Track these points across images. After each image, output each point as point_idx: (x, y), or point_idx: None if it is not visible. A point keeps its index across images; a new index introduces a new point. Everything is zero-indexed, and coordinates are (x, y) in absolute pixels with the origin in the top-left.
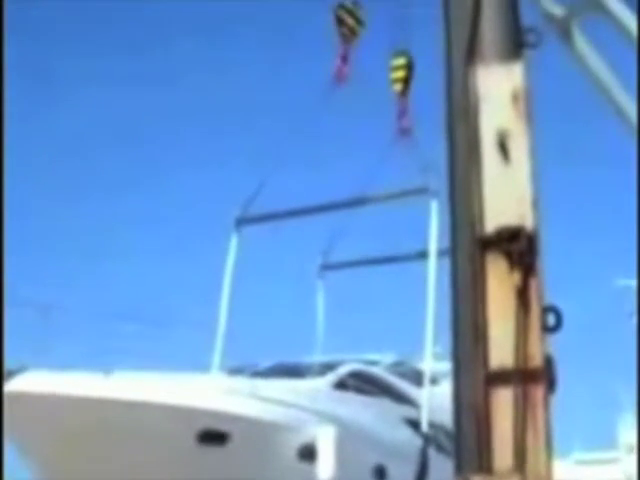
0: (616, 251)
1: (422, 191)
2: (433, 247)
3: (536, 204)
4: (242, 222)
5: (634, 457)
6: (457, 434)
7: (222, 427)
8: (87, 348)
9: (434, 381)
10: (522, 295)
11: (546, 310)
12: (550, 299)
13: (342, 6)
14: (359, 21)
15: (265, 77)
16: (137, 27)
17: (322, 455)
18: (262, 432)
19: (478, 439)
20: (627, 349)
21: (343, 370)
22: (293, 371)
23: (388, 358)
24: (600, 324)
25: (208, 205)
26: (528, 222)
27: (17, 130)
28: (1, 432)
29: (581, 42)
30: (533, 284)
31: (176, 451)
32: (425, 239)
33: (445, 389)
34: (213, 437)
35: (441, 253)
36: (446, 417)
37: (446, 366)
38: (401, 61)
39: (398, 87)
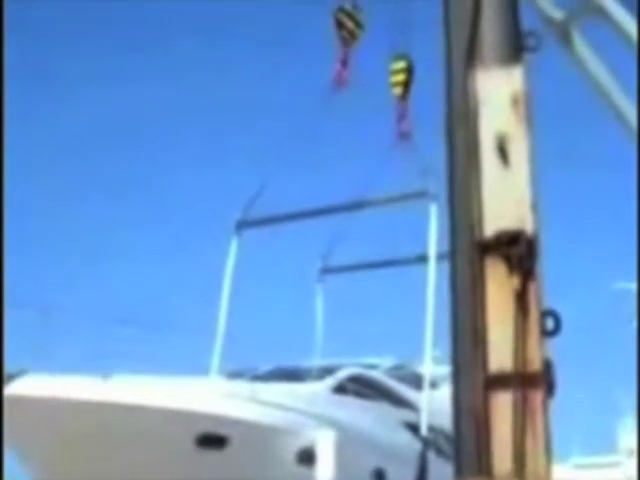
0: (615, 254)
1: (421, 195)
2: (432, 251)
3: (535, 208)
4: (242, 225)
5: (634, 461)
6: (456, 438)
7: (221, 431)
8: (87, 351)
9: (433, 385)
10: (521, 299)
11: (545, 314)
12: (549, 303)
13: (342, 9)
14: (359, 24)
15: (265, 79)
16: (138, 27)
17: (321, 459)
18: (261, 436)
19: (477, 443)
20: (626, 353)
21: (342, 374)
22: (292, 375)
23: (387, 362)
24: (599, 328)
25: (208, 206)
26: (527, 226)
27: (17, 130)
28: (1, 436)
29: (581, 46)
30: (532, 288)
31: (175, 455)
32: (424, 243)
33: (444, 393)
34: (212, 441)
35: (440, 257)
36: (445, 421)
37: (445, 370)
38: (401, 65)
39: (398, 91)
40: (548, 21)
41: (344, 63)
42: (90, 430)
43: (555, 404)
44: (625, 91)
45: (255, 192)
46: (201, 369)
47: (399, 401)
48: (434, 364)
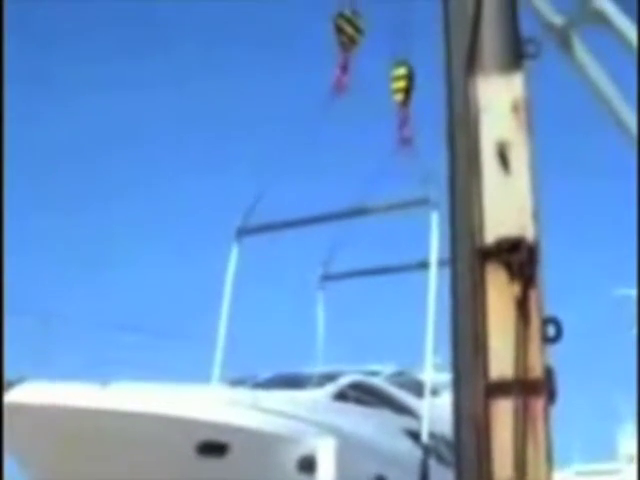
0: (615, 261)
1: (423, 202)
2: (434, 258)
3: (536, 215)
4: (243, 232)
5: (634, 467)
6: (457, 445)
7: (222, 438)
8: (87, 358)
9: (435, 392)
10: (522, 306)
11: (546, 321)
12: (549, 309)
13: (341, 15)
14: (358, 30)
15: (265, 85)
16: (139, 33)
17: (322, 466)
18: (262, 443)
19: (478, 450)
20: (626, 359)
21: (343, 381)
22: (293, 382)
23: (388, 369)
24: (600, 334)
25: (209, 213)
26: (528, 233)
27: (18, 136)
28: (1, 442)
29: (581, 52)
30: (533, 295)
31: (176, 462)
32: (425, 249)
33: (446, 400)
34: (213, 448)
35: (441, 264)
36: (447, 428)
37: (447, 377)
38: (402, 71)
39: (399, 97)
40: (548, 27)
41: (344, 69)
42: (90, 437)
43: (556, 411)
44: (625, 97)
45: (255, 199)
46: (202, 376)
47: (400, 408)
48: (435, 371)
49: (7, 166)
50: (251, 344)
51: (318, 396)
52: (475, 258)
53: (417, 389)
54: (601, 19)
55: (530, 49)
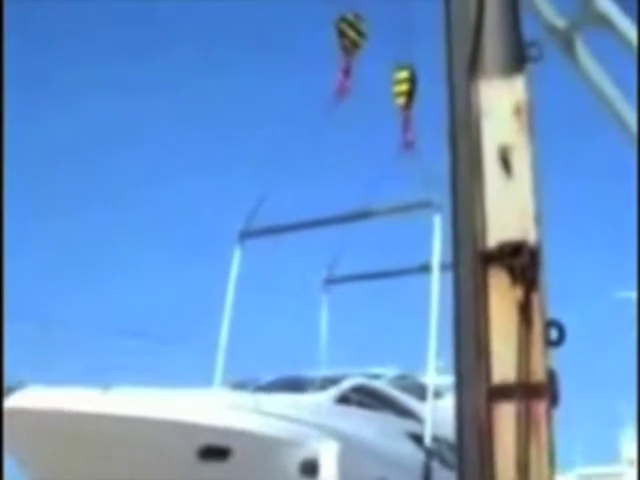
0: (616, 264)
1: (425, 205)
2: (436, 261)
3: (538, 218)
4: (245, 236)
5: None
6: (460, 449)
7: (223, 442)
8: (88, 363)
9: (437, 395)
10: (524, 310)
11: (549, 324)
12: (552, 312)
13: (344, 19)
14: (361, 34)
15: (267, 87)
16: (139, 34)
17: (324, 470)
18: (264, 447)
19: (481, 454)
20: (629, 362)
21: (346, 384)
22: (295, 385)
23: (391, 372)
24: (603, 337)
25: (211, 215)
26: (530, 237)
27: (17, 138)
28: (1, 448)
29: (584, 55)
30: (535, 299)
31: (177, 467)
32: (428, 253)
33: (448, 403)
34: (214, 452)
35: (444, 267)
36: (449, 431)
37: (449, 379)
38: (404, 74)
39: (401, 101)
40: (551, 30)
41: (346, 72)
42: (91, 442)
43: (558, 414)
44: (626, 98)
45: (257, 202)
46: (204, 380)
47: (403, 411)
48: (438, 374)
49: (7, 168)
50: (253, 347)
51: (320, 399)
52: (477, 262)
53: (420, 392)
54: (604, 21)
55: (532, 52)
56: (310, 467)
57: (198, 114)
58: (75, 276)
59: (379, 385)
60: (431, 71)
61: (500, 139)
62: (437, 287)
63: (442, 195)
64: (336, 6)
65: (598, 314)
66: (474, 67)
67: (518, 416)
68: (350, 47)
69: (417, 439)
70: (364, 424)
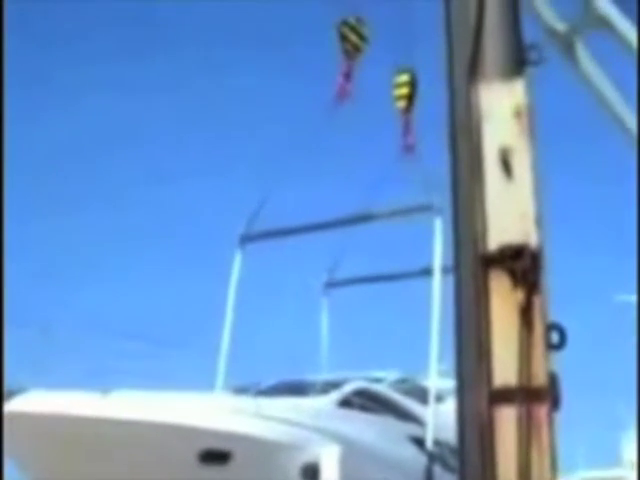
0: (617, 266)
1: (426, 208)
2: (437, 264)
3: (539, 221)
4: (246, 239)
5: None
6: (461, 452)
7: (224, 446)
8: (88, 367)
9: (439, 398)
10: (526, 313)
11: (550, 328)
12: (552, 315)
13: (345, 23)
14: (362, 37)
15: (268, 90)
16: (140, 34)
17: (326, 474)
18: (265, 451)
19: (482, 457)
20: (631, 365)
21: (347, 388)
22: (297, 389)
23: (392, 375)
24: (603, 340)
25: (212, 218)
26: (532, 239)
27: (18, 139)
28: (1, 453)
29: (584, 58)
30: (537, 302)
31: (178, 470)
32: (429, 256)
33: (450, 406)
34: (215, 456)
35: (445, 270)
36: (451, 435)
37: (451, 383)
38: (404, 78)
39: (402, 104)
40: (551, 33)
41: (347, 76)
42: (91, 446)
43: (560, 417)
44: (627, 102)
45: (258, 205)
46: (205, 384)
47: (404, 415)
48: (440, 377)
49: (7, 170)
50: (255, 351)
51: (322, 403)
52: (478, 265)
53: (421, 396)
54: (604, 24)
55: (532, 55)
56: (311, 471)
57: (198, 115)
58: (75, 278)
59: (380, 389)
60: (431, 74)
61: (500, 142)
62: (438, 290)
63: (443, 198)
64: (337, 8)
65: (599, 317)
66: (474, 70)
67: (519, 419)
68: (351, 51)
69: (419, 443)
70: (366, 428)
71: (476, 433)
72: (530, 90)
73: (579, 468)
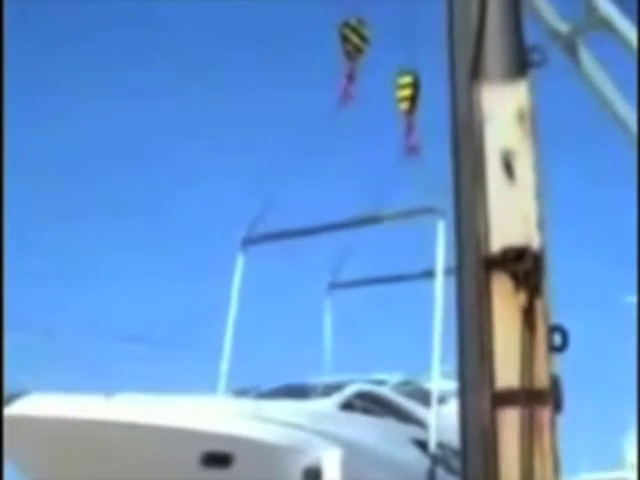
0: (620, 268)
1: (429, 211)
2: (440, 267)
3: (542, 224)
4: (248, 242)
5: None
6: (463, 454)
7: (226, 449)
8: (91, 370)
9: (442, 400)
10: (528, 315)
11: (552, 330)
12: (554, 317)
13: (347, 24)
14: (364, 39)
15: (269, 92)
16: (141, 35)
17: (328, 477)
18: (266, 454)
19: (485, 460)
20: (632, 367)
21: (349, 390)
22: (299, 392)
23: (395, 378)
24: (605, 342)
25: (215, 221)
26: (534, 242)
27: (19, 143)
28: (1, 457)
29: (587, 59)
30: (539, 304)
31: (179, 474)
32: (432, 258)
33: (453, 408)
34: (217, 459)
35: (448, 272)
36: (454, 437)
37: (454, 385)
38: (407, 79)
39: (404, 106)
40: (553, 34)
41: (350, 78)
42: (93, 449)
43: (562, 420)
44: (628, 102)
45: (260, 208)
46: (207, 387)
47: (407, 417)
48: (444, 379)
49: (9, 173)
50: (257, 353)
51: (324, 406)
52: (480, 267)
53: (424, 398)
54: (606, 25)
55: (535, 57)
56: (313, 474)
57: (200, 118)
58: (78, 281)
59: (383, 391)
60: (434, 76)
61: (503, 144)
62: (441, 292)
63: (445, 201)
64: (339, 9)
65: (603, 319)
66: (476, 72)
67: (522, 422)
68: (353, 52)
69: (421, 445)
70: (368, 430)
71: (478, 435)
72: (532, 92)
73: (582, 470)
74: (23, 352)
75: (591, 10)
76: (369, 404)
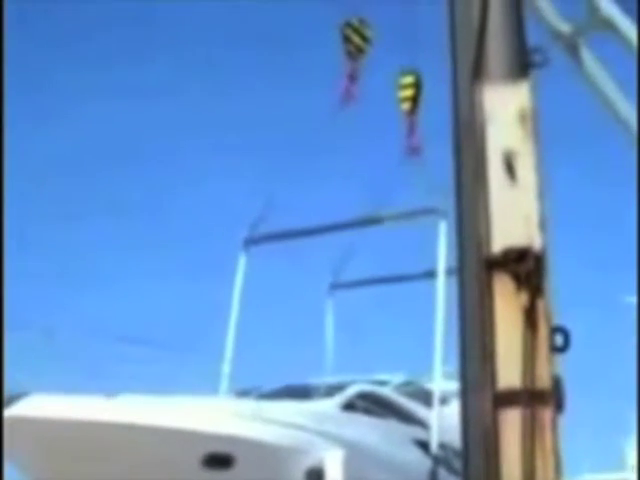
0: (621, 269)
1: (430, 211)
2: (441, 267)
3: (543, 224)
4: (250, 243)
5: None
6: (465, 455)
7: (227, 450)
8: (91, 371)
9: (444, 401)
10: (530, 315)
11: (554, 330)
12: (556, 318)
13: (349, 24)
14: (365, 39)
15: (270, 92)
16: (141, 36)
17: (330, 478)
18: (268, 455)
19: (486, 460)
20: (634, 368)
21: (351, 391)
22: (300, 392)
23: (397, 378)
24: (607, 342)
25: (216, 221)
26: (535, 242)
27: (19, 143)
28: (1, 458)
29: (589, 59)
30: (541, 304)
31: (181, 475)
32: (434, 259)
33: (455, 409)
34: (218, 461)
35: (450, 273)
36: (456, 437)
37: (455, 386)
38: (409, 79)
39: (406, 106)
40: (555, 35)
41: (351, 78)
42: (94, 450)
43: (564, 420)
44: (631, 104)
45: (261, 208)
46: (209, 389)
47: (409, 418)
48: (444, 380)
49: (10, 173)
50: (259, 354)
51: (326, 406)
52: (482, 268)
53: (426, 399)
54: (608, 26)
55: (537, 58)
56: (315, 475)
57: (200, 118)
58: (78, 282)
59: (384, 392)
60: (436, 77)
61: (505, 145)
62: (442, 293)
63: (447, 201)
64: (340, 9)
65: (605, 320)
66: (478, 72)
67: (524, 422)
68: (354, 52)
69: (423, 446)
70: (370, 431)
71: (480, 436)
72: (534, 92)
73: (583, 471)
74: (23, 352)
75: (593, 10)
76: (371, 405)
